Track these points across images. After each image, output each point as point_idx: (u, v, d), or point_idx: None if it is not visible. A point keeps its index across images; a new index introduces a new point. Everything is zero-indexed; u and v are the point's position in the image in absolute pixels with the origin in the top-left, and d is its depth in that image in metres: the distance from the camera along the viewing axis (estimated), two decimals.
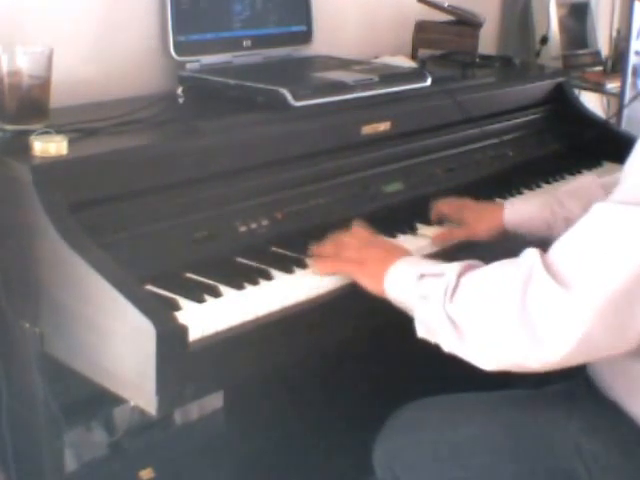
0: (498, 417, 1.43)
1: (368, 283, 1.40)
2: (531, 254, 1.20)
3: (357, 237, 1.49)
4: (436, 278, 1.29)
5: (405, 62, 2.14)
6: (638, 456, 1.32)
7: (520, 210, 1.69)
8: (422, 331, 1.31)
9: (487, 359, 1.23)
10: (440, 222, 1.73)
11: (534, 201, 1.72)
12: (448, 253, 1.60)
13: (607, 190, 1.59)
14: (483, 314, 1.22)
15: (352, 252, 1.44)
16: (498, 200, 1.86)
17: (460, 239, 1.68)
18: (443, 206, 1.74)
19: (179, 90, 1.72)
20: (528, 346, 1.17)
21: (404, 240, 1.62)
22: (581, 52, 2.97)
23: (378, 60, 2.15)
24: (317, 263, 1.46)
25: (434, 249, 1.64)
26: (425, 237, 1.66)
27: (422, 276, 1.31)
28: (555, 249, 1.20)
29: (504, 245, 1.66)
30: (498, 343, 1.20)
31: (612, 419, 1.34)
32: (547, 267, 1.17)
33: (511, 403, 1.45)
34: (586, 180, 1.73)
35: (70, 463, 1.49)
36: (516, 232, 1.68)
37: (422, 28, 2.31)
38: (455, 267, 1.28)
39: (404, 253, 1.43)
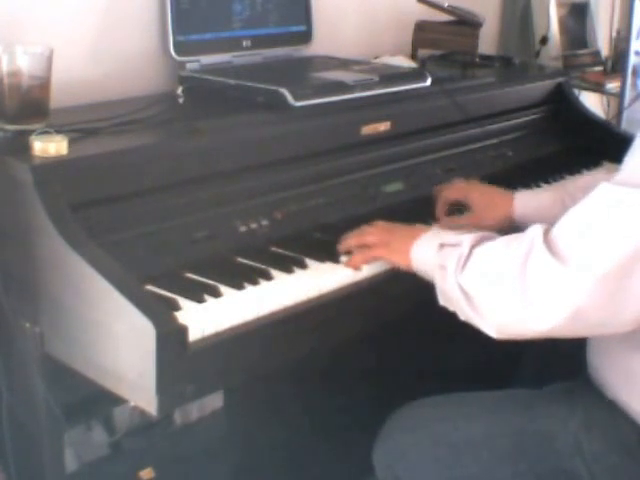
0: (498, 417, 1.43)
1: (396, 259, 1.46)
2: (535, 229, 1.25)
3: (378, 225, 1.52)
4: (453, 248, 1.34)
5: (405, 62, 2.14)
6: (638, 455, 1.32)
7: (531, 201, 1.71)
8: (442, 300, 1.36)
9: (493, 328, 1.28)
10: (469, 209, 1.73)
11: (545, 193, 1.74)
12: None
13: None
14: (488, 284, 1.27)
15: (376, 237, 1.49)
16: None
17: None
18: (449, 192, 1.75)
19: (179, 90, 1.72)
20: (524, 315, 1.22)
21: None
22: (581, 52, 2.97)
23: (378, 60, 2.15)
24: (348, 262, 1.48)
25: None
26: None
27: (442, 246, 1.36)
28: (557, 225, 1.24)
29: None
30: (499, 312, 1.26)
31: (613, 418, 1.34)
32: (547, 242, 1.22)
33: (511, 403, 1.45)
34: (598, 176, 1.74)
35: (70, 463, 1.49)
36: (525, 223, 1.68)
37: (422, 28, 2.31)
38: (470, 238, 1.33)
39: (426, 230, 1.47)
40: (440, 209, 1.74)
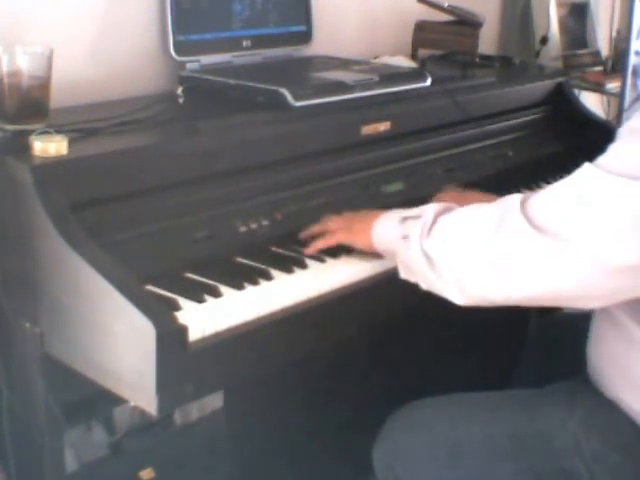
0: (498, 417, 1.43)
1: (357, 240, 1.48)
2: (511, 197, 1.26)
3: (342, 214, 1.56)
4: (415, 219, 1.35)
5: (405, 62, 2.14)
6: (638, 455, 1.32)
7: None
8: (403, 272, 1.37)
9: (458, 292, 1.28)
10: None
11: None
12: None
13: None
14: (455, 246, 1.27)
15: (337, 223, 1.52)
16: None
17: None
18: (444, 198, 1.74)
19: (179, 90, 1.72)
20: (499, 282, 1.23)
21: None
22: (581, 52, 2.97)
23: (378, 60, 2.15)
24: (308, 248, 1.51)
25: None
26: None
27: (404, 219, 1.38)
28: (536, 197, 1.24)
29: None
30: (469, 276, 1.26)
31: (612, 418, 1.34)
32: (524, 210, 1.22)
33: (511, 403, 1.45)
34: None
35: (70, 463, 1.49)
36: None
37: (422, 28, 2.31)
38: (433, 206, 1.35)
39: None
40: None
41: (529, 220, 1.20)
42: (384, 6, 2.34)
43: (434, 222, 1.32)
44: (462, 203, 1.70)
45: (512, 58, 2.42)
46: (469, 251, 1.25)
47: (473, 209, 1.32)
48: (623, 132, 1.22)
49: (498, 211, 1.25)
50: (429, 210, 1.35)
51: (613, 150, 1.21)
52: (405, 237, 1.35)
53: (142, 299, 1.21)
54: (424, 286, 1.33)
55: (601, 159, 1.21)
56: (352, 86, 1.79)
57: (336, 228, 1.52)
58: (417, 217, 1.36)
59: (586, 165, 1.21)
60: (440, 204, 1.37)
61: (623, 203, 1.15)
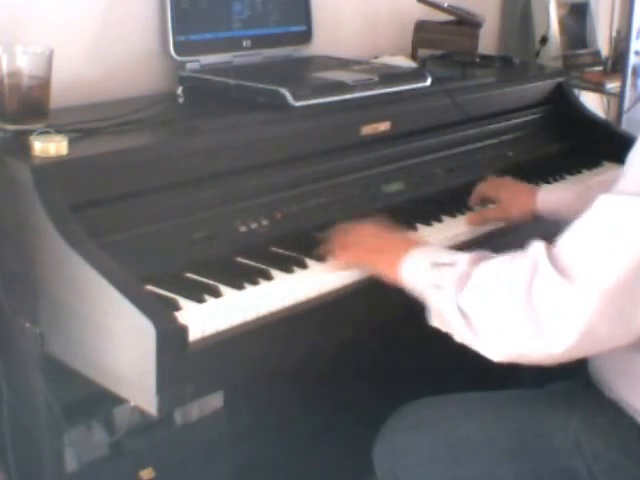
0: (498, 416, 1.43)
1: (385, 271, 1.42)
2: (537, 247, 1.21)
3: (368, 227, 1.50)
4: (448, 267, 1.30)
5: (405, 62, 2.14)
6: (638, 454, 1.32)
7: (553, 197, 1.76)
8: (435, 320, 1.33)
9: (495, 350, 1.24)
10: (469, 209, 1.80)
11: (566, 190, 1.77)
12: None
13: None
14: (491, 306, 1.23)
15: (367, 238, 1.47)
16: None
17: (493, 219, 1.76)
18: (485, 188, 1.82)
19: (179, 90, 1.72)
20: (533, 338, 1.18)
21: None
22: (581, 52, 2.97)
23: (378, 60, 2.15)
24: (337, 255, 1.47)
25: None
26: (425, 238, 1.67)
27: (435, 265, 1.33)
28: (561, 242, 1.21)
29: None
30: (505, 335, 1.22)
31: (612, 417, 1.34)
32: (552, 260, 1.18)
33: (511, 402, 1.45)
34: (616, 172, 1.73)
35: (70, 463, 1.49)
36: (548, 217, 1.74)
37: (422, 28, 2.31)
38: (466, 257, 1.30)
39: (420, 242, 1.45)
40: (474, 200, 1.81)
41: (559, 271, 1.16)
42: (384, 6, 2.34)
43: (468, 275, 1.26)
44: (498, 191, 1.78)
45: (512, 58, 2.42)
46: (505, 311, 1.20)
47: (504, 263, 1.26)
48: (635, 155, 1.20)
49: (529, 266, 1.19)
50: (462, 261, 1.28)
51: (629, 175, 1.19)
52: (437, 286, 1.29)
53: (142, 299, 1.21)
54: (457, 338, 1.29)
55: (618, 186, 1.18)
56: (352, 86, 1.79)
57: (365, 243, 1.46)
58: (449, 265, 1.30)
59: (603, 196, 1.18)
60: (473, 253, 1.30)
61: None
